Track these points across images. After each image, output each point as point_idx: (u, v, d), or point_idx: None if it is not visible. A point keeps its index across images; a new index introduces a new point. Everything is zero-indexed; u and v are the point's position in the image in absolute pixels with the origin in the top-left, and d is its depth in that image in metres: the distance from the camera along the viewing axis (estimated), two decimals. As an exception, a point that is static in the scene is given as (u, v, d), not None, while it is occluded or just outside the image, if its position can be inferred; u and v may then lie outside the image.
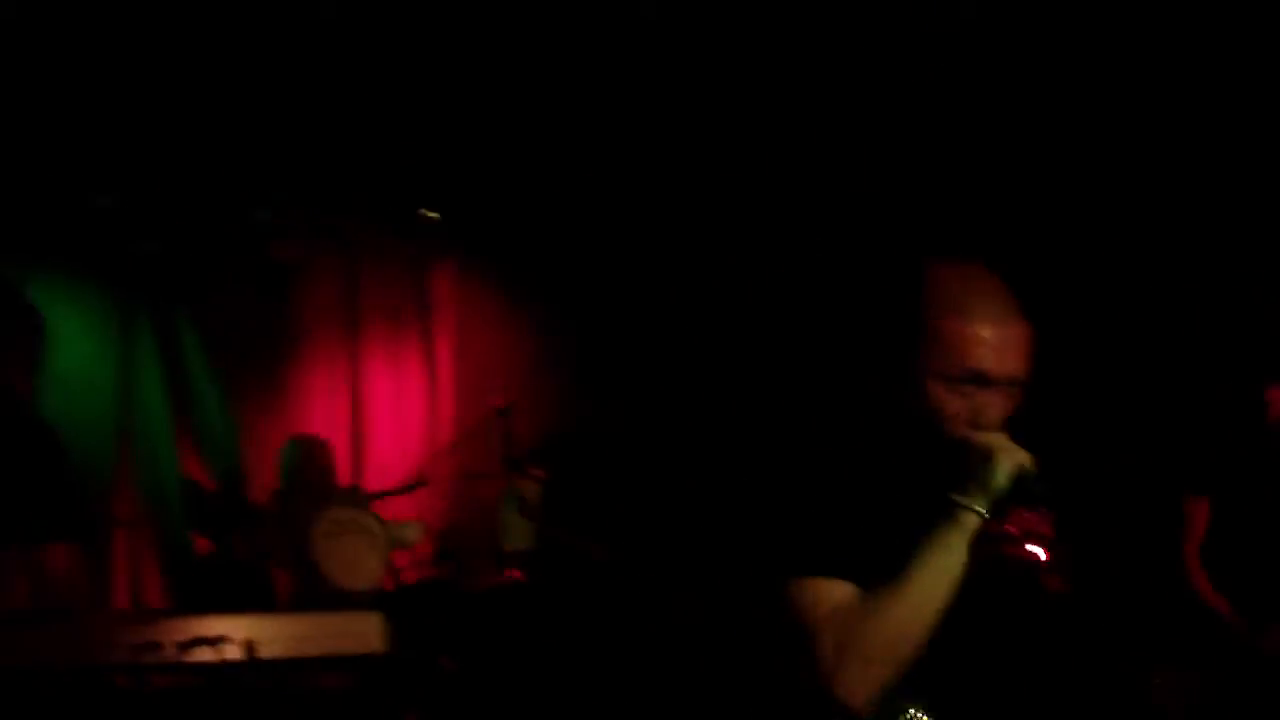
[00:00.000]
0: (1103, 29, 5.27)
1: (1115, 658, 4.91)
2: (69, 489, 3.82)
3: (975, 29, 5.35)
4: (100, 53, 5.60)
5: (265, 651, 3.16)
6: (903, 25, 5.43)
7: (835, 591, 2.19)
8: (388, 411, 7.32)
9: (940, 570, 2.17)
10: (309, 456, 6.11)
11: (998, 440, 2.19)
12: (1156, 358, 5.58)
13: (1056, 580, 2.89)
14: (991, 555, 2.38)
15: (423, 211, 7.06)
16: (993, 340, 2.20)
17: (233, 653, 3.12)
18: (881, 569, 2.18)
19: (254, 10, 5.39)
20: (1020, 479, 2.18)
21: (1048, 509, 2.35)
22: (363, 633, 3.29)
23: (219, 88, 5.85)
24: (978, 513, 2.19)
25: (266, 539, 4.98)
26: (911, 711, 2.23)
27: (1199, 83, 5.36)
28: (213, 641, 3.11)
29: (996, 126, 5.75)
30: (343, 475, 6.53)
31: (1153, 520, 5.09)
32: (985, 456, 2.17)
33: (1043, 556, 2.53)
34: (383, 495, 5.85)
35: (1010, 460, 2.16)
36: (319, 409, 7.15)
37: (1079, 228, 5.67)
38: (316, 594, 4.17)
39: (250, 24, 5.43)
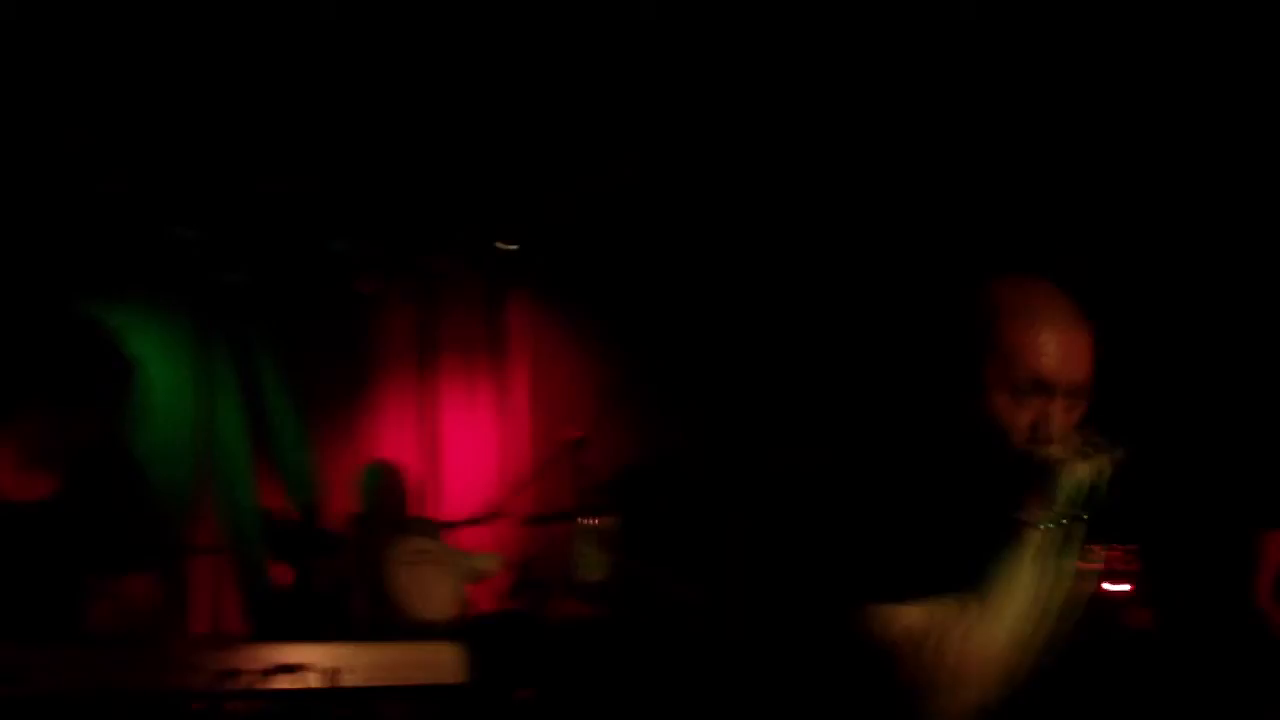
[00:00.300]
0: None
1: (1201, 696, 4.84)
2: (151, 518, 3.87)
3: (1034, 45, 5.33)
4: (188, 88, 5.69)
5: (345, 680, 3.17)
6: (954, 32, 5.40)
7: (905, 614, 2.17)
8: (461, 442, 7.36)
9: (1017, 589, 2.15)
10: (387, 482, 6.15)
11: (1063, 453, 2.17)
12: (1229, 390, 5.51)
13: (1141, 616, 2.86)
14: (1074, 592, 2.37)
15: (498, 244, 7.11)
16: (1056, 346, 2.18)
17: (313, 680, 3.13)
18: (951, 587, 2.16)
19: (339, 49, 5.46)
20: (1089, 492, 2.16)
21: (1122, 533, 2.34)
22: (440, 663, 3.29)
23: (304, 123, 5.93)
24: (1046, 527, 2.17)
25: (345, 567, 5.02)
26: None
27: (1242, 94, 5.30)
28: (293, 669, 3.12)
29: (1060, 141, 5.70)
30: (415, 505, 6.58)
31: (1227, 555, 5.03)
32: (1050, 471, 2.15)
33: (1126, 592, 2.51)
34: (459, 525, 5.88)
35: (1075, 475, 2.14)
36: (394, 439, 7.21)
37: (1149, 253, 5.62)
38: (393, 623, 4.21)
39: (335, 62, 5.50)
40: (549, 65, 5.67)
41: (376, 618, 4.53)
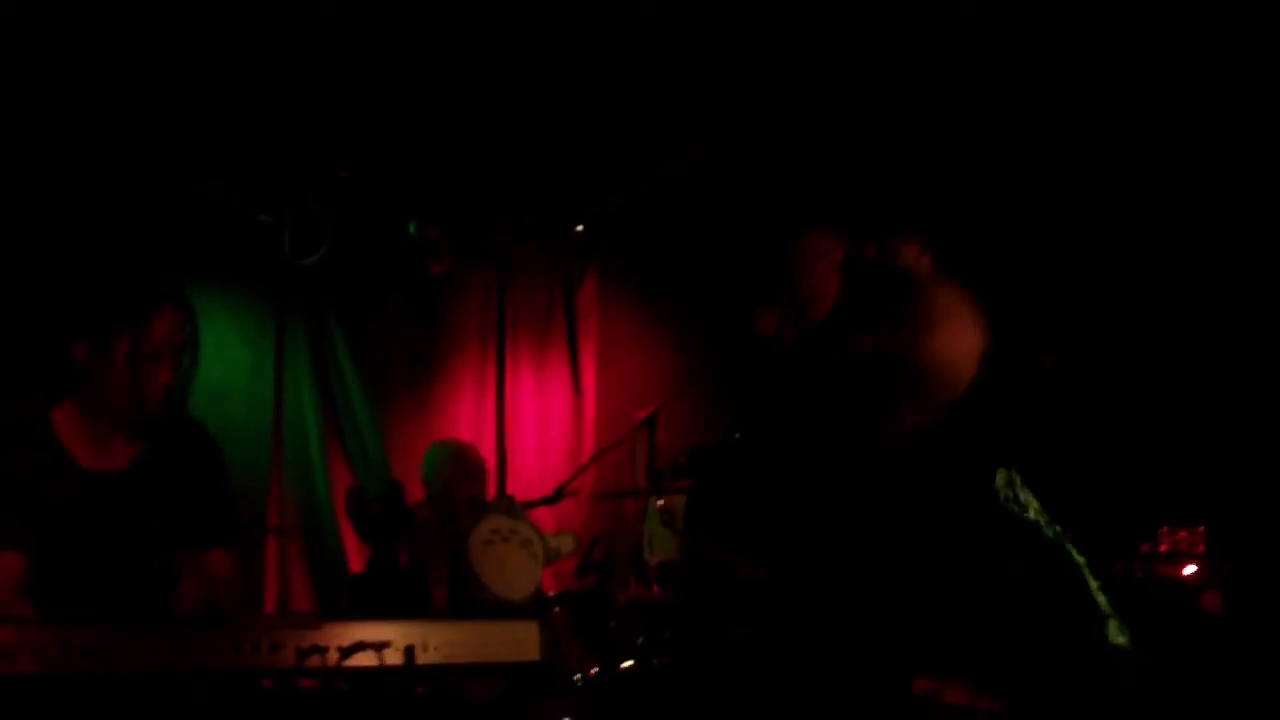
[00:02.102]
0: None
1: (1273, 677, 4.81)
2: (229, 494, 3.95)
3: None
4: (260, 75, 5.76)
5: (424, 658, 3.21)
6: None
7: None
8: (533, 422, 7.41)
9: None
10: (457, 461, 6.18)
11: None
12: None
13: (1213, 598, 2.87)
14: (1144, 575, 2.39)
15: (569, 225, 7.15)
16: None
17: (392, 658, 3.17)
18: None
19: (410, 32, 5.51)
20: None
21: (1190, 515, 2.37)
22: (521, 640, 3.32)
23: (377, 107, 5.99)
24: None
25: (425, 546, 5.07)
26: None
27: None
28: (374, 647, 3.16)
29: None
30: (487, 485, 6.61)
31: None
32: None
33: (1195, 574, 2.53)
34: (532, 505, 5.91)
35: None
36: (466, 419, 7.26)
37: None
38: (473, 602, 4.25)
39: (410, 47, 5.55)
40: (620, 47, 5.69)
41: (456, 597, 4.57)
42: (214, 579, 3.66)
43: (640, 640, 4.97)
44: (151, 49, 5.50)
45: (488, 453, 6.65)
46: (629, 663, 4.97)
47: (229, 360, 6.77)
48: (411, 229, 6.81)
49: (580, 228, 7.17)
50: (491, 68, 5.82)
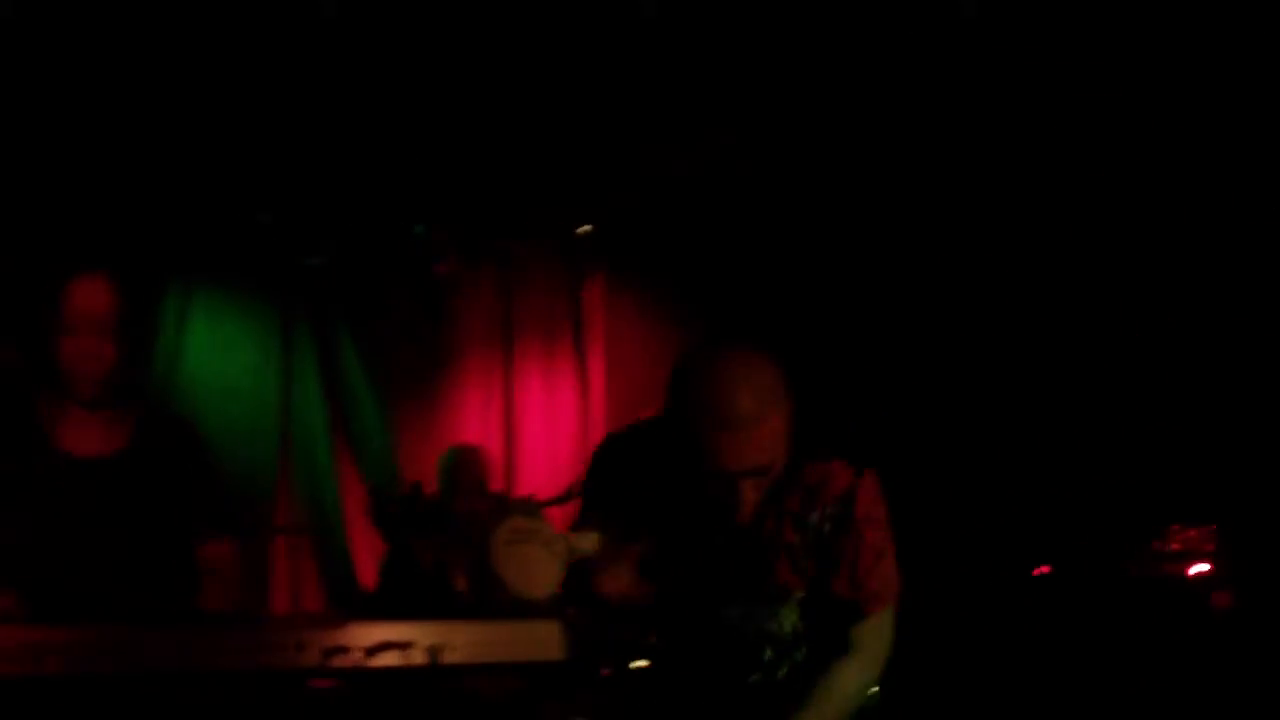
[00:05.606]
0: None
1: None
2: (219, 485, 3.95)
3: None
4: (264, 76, 5.77)
5: (448, 657, 3.24)
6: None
7: None
8: (540, 424, 7.42)
9: None
10: (466, 464, 6.21)
11: None
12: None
13: (1223, 597, 2.90)
14: (1155, 574, 2.43)
15: (575, 227, 7.17)
16: None
17: (416, 658, 3.20)
18: None
19: (416, 32, 5.52)
20: None
21: (1200, 514, 2.42)
22: (542, 640, 3.35)
23: (383, 108, 6.00)
24: None
25: (445, 546, 5.08)
26: None
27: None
28: (397, 647, 3.19)
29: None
30: (494, 487, 6.62)
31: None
32: None
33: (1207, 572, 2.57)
34: (545, 505, 5.91)
35: None
36: (473, 421, 7.27)
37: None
38: (495, 601, 4.25)
39: (414, 45, 5.56)
40: (625, 47, 5.71)
41: (478, 596, 4.58)
42: (211, 571, 3.66)
43: (653, 639, 4.97)
44: (159, 51, 5.51)
45: (495, 453, 6.67)
46: (643, 662, 4.98)
47: (236, 361, 6.79)
48: (418, 230, 6.84)
49: (587, 228, 7.18)
50: (498, 68, 5.83)
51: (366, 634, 3.23)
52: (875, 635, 2.84)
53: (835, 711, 2.78)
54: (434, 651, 3.20)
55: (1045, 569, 5.13)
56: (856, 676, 2.82)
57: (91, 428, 3.60)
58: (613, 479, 2.93)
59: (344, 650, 3.19)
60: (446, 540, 4.96)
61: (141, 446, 3.65)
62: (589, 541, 4.78)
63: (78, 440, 3.59)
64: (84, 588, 3.39)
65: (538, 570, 4.27)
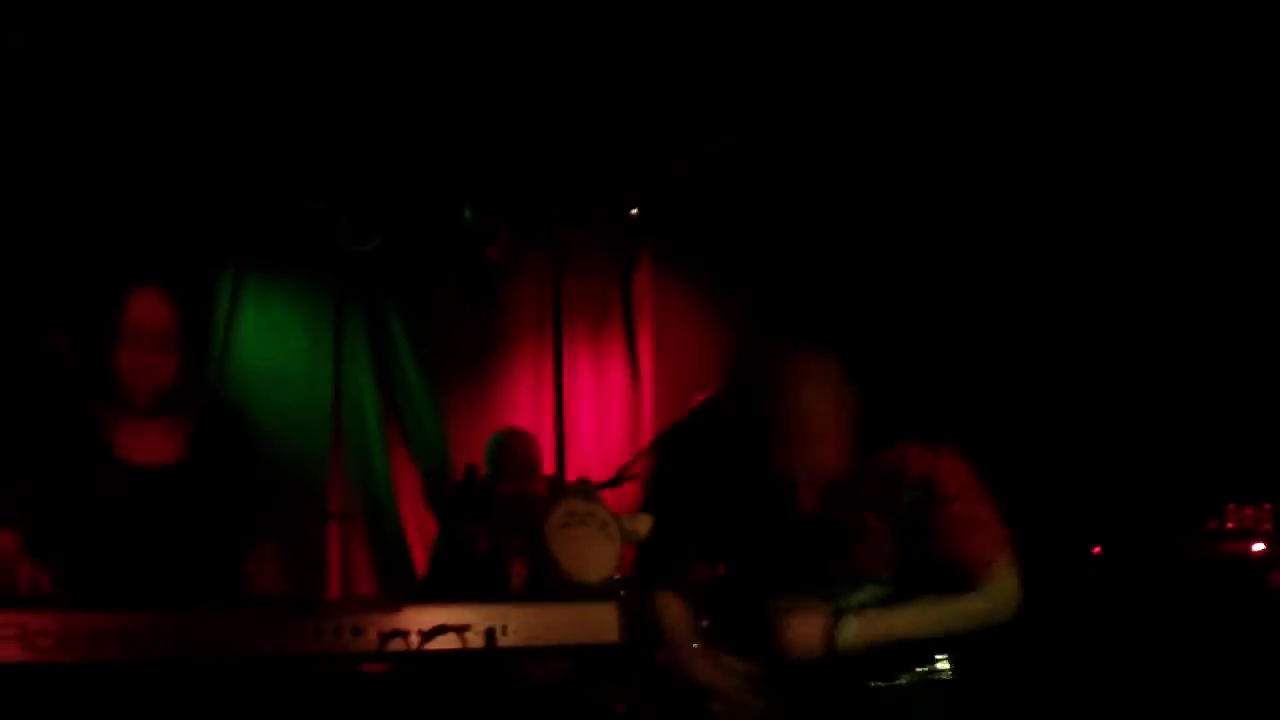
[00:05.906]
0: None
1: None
2: (273, 484, 3.94)
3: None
4: (316, 63, 5.79)
5: (504, 640, 3.24)
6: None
7: None
8: (590, 407, 7.41)
9: None
10: (513, 447, 6.19)
11: None
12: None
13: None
14: (1211, 553, 2.42)
15: (625, 210, 7.16)
16: None
17: (473, 641, 3.20)
18: None
19: (465, 16, 5.53)
20: None
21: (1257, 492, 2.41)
22: (597, 623, 3.35)
23: (433, 93, 6.01)
24: None
25: (502, 530, 5.09)
26: None
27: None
28: (454, 630, 3.20)
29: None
30: (546, 470, 6.61)
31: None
32: None
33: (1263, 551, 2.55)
34: (600, 488, 5.91)
35: None
36: (524, 405, 7.26)
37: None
38: (550, 584, 4.25)
39: (465, 32, 5.57)
40: (673, 29, 5.69)
41: (533, 579, 4.58)
42: (257, 574, 3.58)
43: (705, 623, 4.97)
44: (214, 39, 5.54)
45: (546, 437, 6.65)
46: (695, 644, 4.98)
47: (287, 347, 6.81)
48: (467, 214, 6.83)
49: (635, 210, 7.17)
50: (547, 51, 5.83)
51: (423, 617, 3.24)
52: (988, 595, 2.85)
53: (940, 616, 2.82)
54: (490, 634, 3.21)
55: (1097, 549, 5.11)
56: (972, 604, 2.85)
57: (149, 434, 3.59)
58: (675, 470, 2.96)
59: (401, 634, 3.20)
60: (498, 523, 4.97)
61: (198, 455, 3.63)
62: (643, 524, 4.79)
63: (135, 448, 3.58)
64: (144, 591, 3.39)
65: (593, 553, 4.28)
